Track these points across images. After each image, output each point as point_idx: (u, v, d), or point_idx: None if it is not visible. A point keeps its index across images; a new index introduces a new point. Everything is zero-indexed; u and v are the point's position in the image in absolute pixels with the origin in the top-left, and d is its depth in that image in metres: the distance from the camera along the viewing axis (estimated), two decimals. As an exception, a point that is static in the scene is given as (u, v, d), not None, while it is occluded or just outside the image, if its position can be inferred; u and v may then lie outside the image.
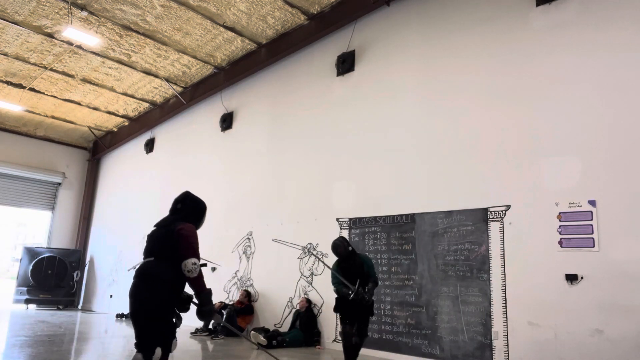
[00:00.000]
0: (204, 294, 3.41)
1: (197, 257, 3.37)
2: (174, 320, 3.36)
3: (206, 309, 3.41)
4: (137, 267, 3.45)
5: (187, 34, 9.36)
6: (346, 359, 5.26)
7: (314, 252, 6.77)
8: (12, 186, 14.67)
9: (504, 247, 5.82)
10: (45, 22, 9.08)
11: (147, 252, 3.48)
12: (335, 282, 5.33)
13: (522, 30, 6.21)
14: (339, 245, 5.36)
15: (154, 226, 3.65)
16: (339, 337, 7.26)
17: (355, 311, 5.23)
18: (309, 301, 7.72)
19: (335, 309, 5.42)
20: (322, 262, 5.84)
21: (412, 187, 6.93)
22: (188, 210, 3.73)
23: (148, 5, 8.47)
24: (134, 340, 3.33)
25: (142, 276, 3.35)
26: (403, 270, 6.76)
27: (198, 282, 3.37)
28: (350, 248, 5.38)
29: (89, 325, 10.23)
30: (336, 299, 5.39)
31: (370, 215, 7.34)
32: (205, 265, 3.73)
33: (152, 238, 3.54)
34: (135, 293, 3.32)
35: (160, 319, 3.28)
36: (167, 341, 3.30)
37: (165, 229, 3.51)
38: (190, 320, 9.80)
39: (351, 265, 5.32)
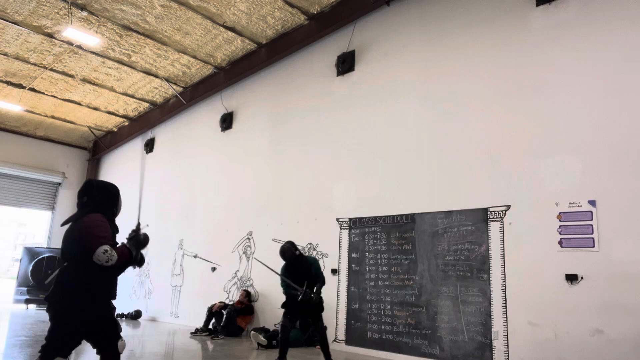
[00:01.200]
0: (131, 259, 3.16)
1: (108, 243, 2.94)
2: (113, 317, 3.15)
3: (140, 257, 3.27)
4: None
5: (187, 34, 9.36)
6: (281, 351, 5.53)
7: (260, 260, 6.99)
8: (12, 186, 14.67)
9: (504, 247, 5.82)
10: (45, 22, 9.08)
11: (61, 257, 3.15)
12: (284, 285, 5.74)
13: (522, 30, 6.21)
14: (286, 250, 5.72)
15: (61, 226, 3.28)
16: (338, 337, 7.27)
17: (304, 309, 5.61)
18: None
19: (283, 305, 5.78)
20: (270, 268, 6.12)
21: (412, 187, 6.93)
22: (97, 201, 3.20)
23: (148, 5, 8.47)
24: (124, 340, 3.19)
25: (55, 286, 3.03)
26: (403, 270, 6.76)
27: (122, 260, 3.04)
28: (297, 252, 5.77)
29: (89, 325, 10.21)
30: (286, 298, 5.78)
31: (370, 215, 7.34)
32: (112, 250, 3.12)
33: (64, 240, 3.12)
34: (49, 301, 3.04)
35: (69, 322, 2.98)
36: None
37: (71, 227, 3.10)
38: (190, 320, 9.78)
39: (298, 268, 5.70)
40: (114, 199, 3.38)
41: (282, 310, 5.77)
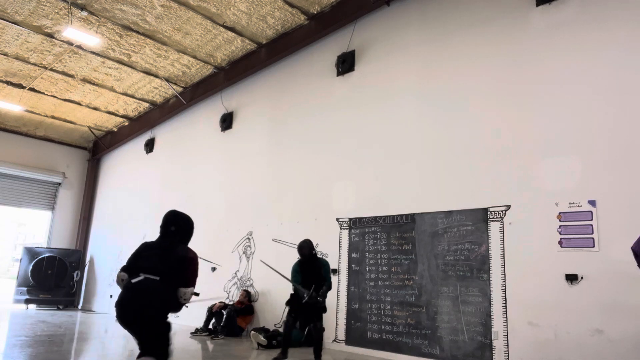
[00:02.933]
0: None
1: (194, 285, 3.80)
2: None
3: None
4: (138, 281, 3.59)
5: (187, 34, 9.36)
6: (283, 347, 5.78)
7: (266, 263, 7.09)
8: (12, 186, 14.67)
9: (504, 247, 5.82)
10: (45, 22, 9.08)
11: (149, 270, 3.64)
12: (294, 280, 5.89)
13: (522, 30, 6.21)
14: (304, 247, 5.92)
15: (152, 246, 3.86)
16: (338, 337, 7.27)
17: (307, 310, 5.74)
18: None
19: (288, 303, 5.91)
20: (276, 270, 6.32)
21: (412, 187, 6.93)
22: (183, 232, 3.94)
23: (148, 5, 8.47)
24: (135, 341, 3.64)
25: (146, 295, 3.57)
26: (403, 270, 6.76)
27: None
28: (313, 252, 5.95)
29: (89, 325, 10.24)
30: (291, 294, 5.92)
31: (370, 215, 7.34)
32: (198, 294, 4.03)
33: (156, 258, 3.71)
34: (141, 307, 3.56)
35: (163, 330, 3.70)
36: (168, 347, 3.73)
37: (170, 252, 3.75)
38: (190, 320, 9.78)
39: (310, 267, 5.87)
40: (192, 230, 4.05)
41: (282, 310, 5.83)
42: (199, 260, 3.89)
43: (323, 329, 5.84)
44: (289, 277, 6.08)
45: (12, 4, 8.54)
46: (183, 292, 3.66)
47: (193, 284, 3.75)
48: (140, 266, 3.68)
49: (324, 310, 5.86)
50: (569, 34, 5.80)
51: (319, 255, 6.30)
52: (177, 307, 3.72)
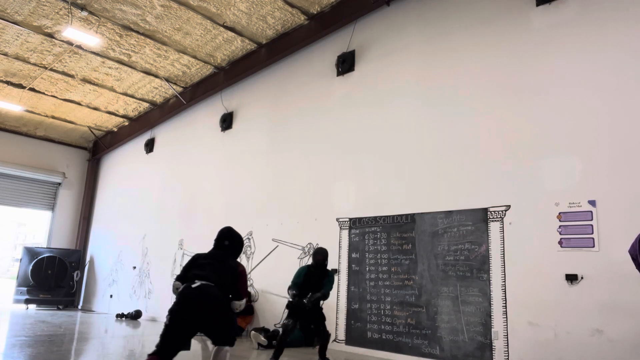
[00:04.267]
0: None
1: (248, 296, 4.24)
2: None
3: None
4: (196, 287, 3.89)
5: (187, 34, 9.36)
6: (276, 350, 5.61)
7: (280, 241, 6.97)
8: (12, 186, 14.67)
9: (504, 247, 5.82)
10: (45, 22, 9.08)
11: (204, 278, 3.96)
12: (295, 281, 5.84)
13: (522, 30, 6.21)
14: (319, 253, 5.92)
15: (206, 256, 4.25)
16: (339, 337, 7.27)
17: (307, 314, 5.70)
18: None
19: (287, 306, 5.85)
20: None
21: (412, 187, 6.93)
22: (236, 248, 4.42)
23: (148, 5, 8.47)
24: (224, 339, 4.08)
25: (209, 296, 3.88)
26: (403, 270, 6.76)
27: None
28: (325, 262, 5.91)
29: (89, 325, 10.23)
30: (290, 300, 5.85)
31: (370, 215, 7.34)
32: (252, 304, 4.22)
33: (210, 267, 4.06)
34: (204, 308, 3.85)
35: (230, 324, 4.13)
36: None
37: (224, 264, 4.16)
38: (190, 320, 9.75)
39: (316, 275, 5.83)
40: (242, 246, 4.58)
41: (282, 310, 5.83)
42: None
43: (329, 335, 5.88)
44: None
45: (12, 4, 8.54)
46: (238, 304, 4.10)
47: (245, 296, 4.19)
48: (195, 274, 3.97)
49: (323, 317, 5.85)
50: (569, 34, 5.80)
51: (329, 268, 6.23)
52: (231, 314, 4.10)
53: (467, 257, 6.10)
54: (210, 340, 4.08)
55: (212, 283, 3.91)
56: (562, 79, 5.75)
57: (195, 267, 4.09)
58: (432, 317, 6.27)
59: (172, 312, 3.80)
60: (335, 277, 7.53)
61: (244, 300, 4.17)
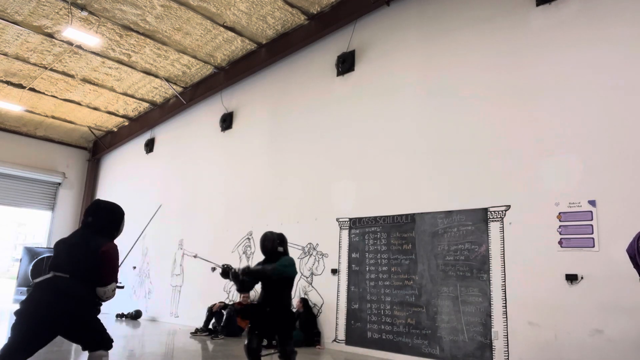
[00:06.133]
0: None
1: (117, 280, 3.32)
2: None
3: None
4: (45, 280, 3.12)
5: (187, 34, 9.36)
6: None
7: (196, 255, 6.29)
8: (12, 186, 14.67)
9: (504, 247, 5.82)
10: (45, 22, 9.08)
11: (59, 268, 3.16)
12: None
13: (522, 30, 6.21)
14: (265, 239, 4.46)
15: (65, 241, 3.35)
16: (338, 337, 7.26)
17: (268, 322, 4.35)
18: (303, 300, 7.70)
19: (244, 316, 4.80)
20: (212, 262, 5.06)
21: (412, 187, 6.93)
22: (102, 222, 3.38)
23: (148, 5, 8.46)
24: (95, 343, 3.27)
25: (59, 295, 3.07)
26: (403, 270, 6.76)
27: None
28: (281, 249, 4.46)
29: (89, 325, 10.20)
30: (251, 304, 4.72)
31: (370, 215, 7.34)
32: (122, 287, 3.55)
33: (65, 253, 3.24)
34: (53, 312, 3.05)
35: (96, 323, 3.26)
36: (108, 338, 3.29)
37: (83, 247, 3.22)
38: (190, 320, 9.77)
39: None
40: (117, 223, 3.48)
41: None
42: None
43: (295, 352, 4.42)
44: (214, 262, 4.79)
45: (12, 4, 8.54)
46: (102, 291, 3.19)
47: (111, 280, 3.23)
48: (51, 264, 3.21)
49: (292, 325, 4.60)
50: (569, 33, 5.80)
51: (291, 254, 4.62)
52: (95, 304, 3.24)
53: (467, 257, 6.10)
54: (81, 347, 3.27)
55: (67, 274, 3.11)
56: (562, 79, 5.75)
57: (54, 254, 3.28)
58: (432, 317, 6.27)
59: (17, 313, 3.05)
60: (335, 277, 7.53)
61: (111, 286, 3.23)
